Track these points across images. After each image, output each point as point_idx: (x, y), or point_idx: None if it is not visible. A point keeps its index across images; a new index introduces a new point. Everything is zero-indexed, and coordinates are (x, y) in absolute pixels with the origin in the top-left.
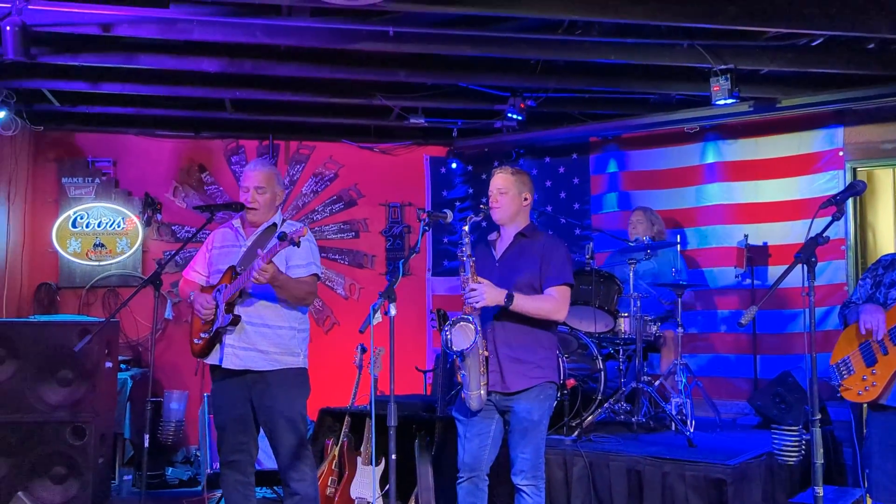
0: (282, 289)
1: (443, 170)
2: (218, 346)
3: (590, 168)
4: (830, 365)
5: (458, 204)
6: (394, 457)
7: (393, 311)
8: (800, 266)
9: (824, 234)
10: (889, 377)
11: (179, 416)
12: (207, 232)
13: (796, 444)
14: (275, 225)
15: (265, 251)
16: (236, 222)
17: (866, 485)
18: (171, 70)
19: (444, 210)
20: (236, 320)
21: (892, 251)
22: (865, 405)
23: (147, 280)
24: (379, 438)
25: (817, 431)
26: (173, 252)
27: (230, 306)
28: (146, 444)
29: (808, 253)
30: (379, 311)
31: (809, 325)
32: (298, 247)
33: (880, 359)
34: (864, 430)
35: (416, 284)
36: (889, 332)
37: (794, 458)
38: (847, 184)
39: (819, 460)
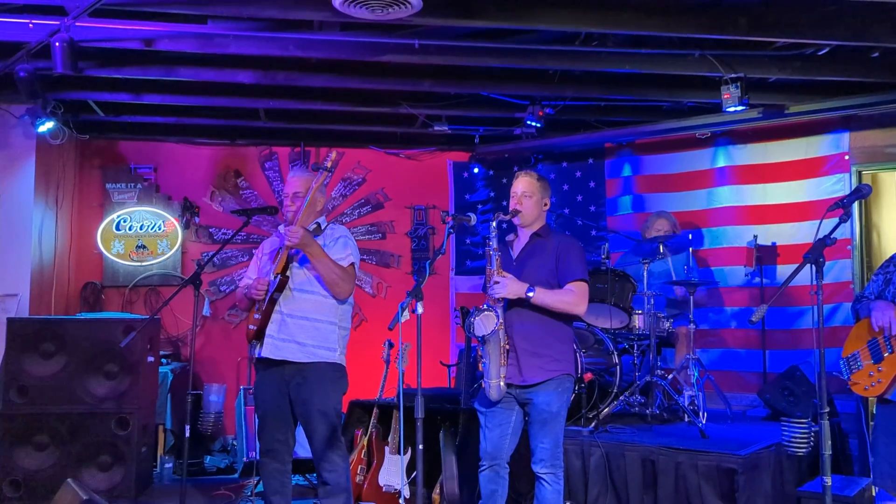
0: (315, 258)
1: (465, 174)
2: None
3: (605, 172)
4: (841, 358)
5: (479, 206)
6: (421, 446)
7: (420, 310)
8: (808, 265)
9: (832, 236)
10: (893, 374)
11: (219, 407)
12: (244, 234)
13: (805, 435)
14: (318, 226)
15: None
16: (283, 228)
17: (872, 473)
18: (209, 82)
19: (469, 213)
20: (284, 282)
21: None
22: (874, 398)
23: (188, 280)
24: (406, 429)
25: (826, 424)
26: (211, 253)
27: (278, 275)
28: (187, 434)
29: (816, 253)
30: (407, 310)
31: (818, 321)
32: (330, 172)
33: (886, 357)
34: (872, 422)
35: (440, 283)
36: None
37: (803, 449)
38: (852, 187)
39: (827, 451)
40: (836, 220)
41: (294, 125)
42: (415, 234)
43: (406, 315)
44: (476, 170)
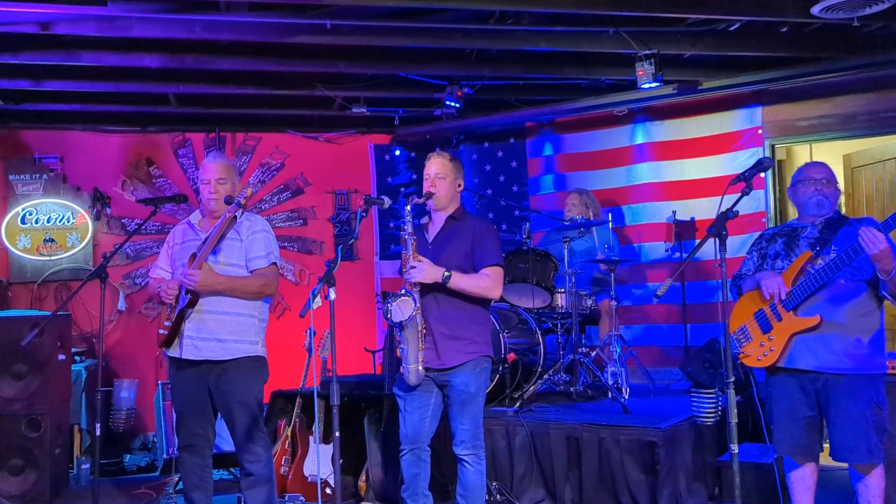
0: (226, 293)
1: (387, 157)
2: (178, 339)
3: (527, 152)
4: (729, 334)
5: (402, 189)
6: (337, 433)
7: (332, 296)
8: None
9: (734, 209)
10: (784, 342)
11: (130, 404)
12: (159, 224)
13: (713, 406)
14: (234, 218)
15: (202, 248)
16: (194, 217)
17: (770, 439)
18: (114, 67)
19: (382, 197)
20: (193, 300)
21: None
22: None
23: (93, 273)
24: (328, 418)
25: (731, 393)
26: (118, 245)
27: (189, 293)
28: (98, 433)
29: (719, 227)
30: (319, 296)
31: (723, 294)
32: (244, 208)
33: (775, 325)
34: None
35: (364, 268)
36: (782, 300)
37: (711, 420)
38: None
39: (734, 420)
40: (739, 194)
41: (207, 110)
42: (337, 220)
43: (318, 301)
44: (398, 152)
